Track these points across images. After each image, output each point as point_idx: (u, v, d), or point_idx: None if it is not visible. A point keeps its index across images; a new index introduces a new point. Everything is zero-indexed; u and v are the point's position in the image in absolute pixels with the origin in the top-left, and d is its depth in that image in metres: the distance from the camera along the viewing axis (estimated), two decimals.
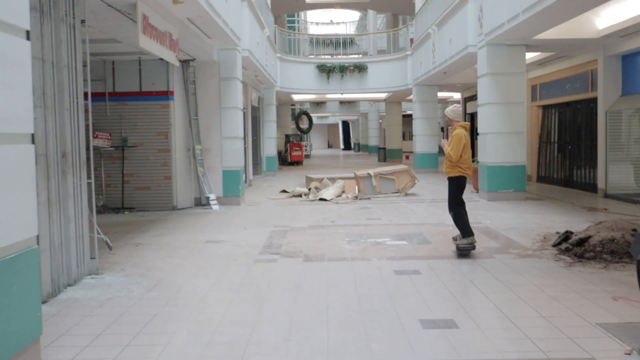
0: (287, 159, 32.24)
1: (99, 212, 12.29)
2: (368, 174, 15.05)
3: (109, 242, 7.74)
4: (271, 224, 10.51)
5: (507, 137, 13.39)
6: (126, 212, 12.47)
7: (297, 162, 32.19)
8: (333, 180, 15.86)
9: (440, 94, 28.76)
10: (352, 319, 4.96)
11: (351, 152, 55.62)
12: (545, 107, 17.84)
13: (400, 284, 6.15)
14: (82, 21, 6.74)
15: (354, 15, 47.96)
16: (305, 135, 42.78)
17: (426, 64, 20.52)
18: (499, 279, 6.21)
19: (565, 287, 5.83)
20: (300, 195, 15.21)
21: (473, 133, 27.14)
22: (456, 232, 7.94)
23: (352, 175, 15.81)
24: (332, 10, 46.46)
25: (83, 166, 6.62)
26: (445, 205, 11.24)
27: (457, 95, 31.01)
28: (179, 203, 13.10)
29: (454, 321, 4.82)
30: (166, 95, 12.96)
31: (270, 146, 23.77)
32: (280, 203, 14.01)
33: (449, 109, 7.95)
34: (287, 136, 33.10)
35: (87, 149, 7.02)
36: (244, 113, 18.18)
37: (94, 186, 7.00)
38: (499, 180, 13.42)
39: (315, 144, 74.08)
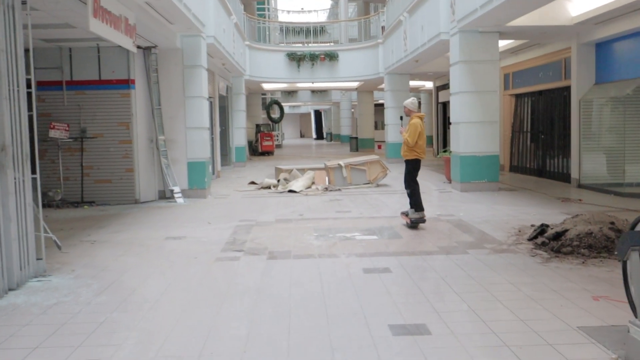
0: (258, 149, 31.71)
1: (57, 206, 11.76)
2: (339, 164, 14.66)
3: (57, 241, 7.23)
4: (237, 218, 10.07)
5: (480, 126, 13.09)
6: (85, 207, 11.91)
7: (268, 152, 31.68)
8: (303, 171, 15.44)
9: (412, 83, 28.44)
10: (317, 325, 4.57)
11: (323, 142, 55.18)
12: (518, 96, 17.62)
13: (370, 283, 5.77)
14: (23, 2, 6.20)
15: (326, 3, 47.48)
16: (276, 125, 42.28)
17: (398, 52, 20.16)
18: (473, 277, 5.87)
19: (542, 286, 5.51)
20: (269, 187, 14.77)
21: (445, 122, 26.98)
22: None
23: (323, 166, 15.41)
24: None
25: (26, 160, 6.10)
26: None
27: (429, 84, 30.76)
28: (142, 196, 12.57)
29: (425, 326, 4.45)
30: (127, 83, 12.38)
31: (240, 136, 23.24)
32: (248, 195, 13.56)
33: (408, 101, 9.27)
34: (257, 126, 32.56)
35: (33, 141, 6.50)
36: (211, 102, 17.66)
37: (39, 181, 6.47)
38: (471, 170, 13.14)
39: (288, 134, 73.41)
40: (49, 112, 12.28)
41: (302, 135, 75.97)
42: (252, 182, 15.95)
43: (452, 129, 13.79)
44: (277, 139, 41.73)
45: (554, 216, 9.41)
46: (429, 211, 10.35)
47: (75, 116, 12.30)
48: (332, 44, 33.85)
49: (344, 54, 26.15)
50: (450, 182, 14.42)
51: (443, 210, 10.57)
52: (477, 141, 13.09)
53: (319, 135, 66.00)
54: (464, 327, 4.46)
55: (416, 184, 9.02)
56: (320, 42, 32.89)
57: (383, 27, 24.34)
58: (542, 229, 7.69)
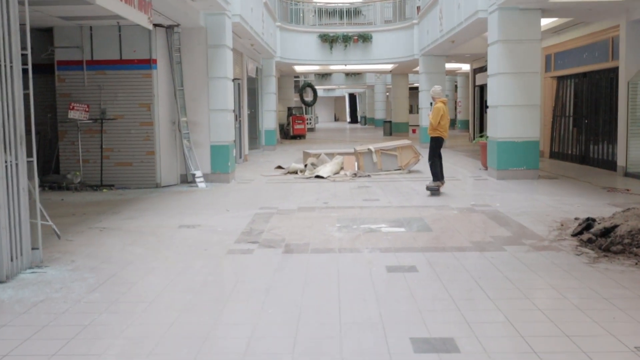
0: (290, 133, 31.16)
1: (75, 189, 11.39)
2: (368, 149, 14.00)
3: (56, 230, 6.76)
4: (257, 205, 9.52)
5: (519, 110, 12.28)
6: (104, 190, 11.51)
7: (300, 136, 31.10)
8: (332, 155, 14.82)
9: (448, 66, 27.47)
10: (327, 337, 3.97)
11: (357, 126, 54.37)
12: (560, 79, 16.65)
13: (393, 285, 5.15)
14: None
15: None
16: (309, 108, 41.68)
17: (433, 32, 19.29)
18: (511, 280, 5.19)
19: (591, 292, 4.81)
20: (295, 172, 14.21)
21: (482, 106, 26.01)
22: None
23: (352, 150, 14.75)
24: None
25: (21, 142, 5.61)
26: (451, 184, 10.20)
27: (465, 67, 29.71)
28: (163, 180, 12.13)
29: (453, 341, 3.82)
30: (149, 63, 11.90)
31: (270, 119, 22.68)
32: (273, 180, 13.01)
33: (432, 90, 11.09)
34: (289, 109, 31.98)
35: (29, 121, 6.02)
36: (239, 84, 17.13)
37: (36, 165, 5.98)
38: (509, 157, 12.35)
39: (322, 117, 72.75)
40: (69, 93, 11.89)
41: (336, 119, 75.20)
42: (279, 167, 15.40)
43: (490, 113, 13.00)
44: (310, 123, 41.12)
45: (600, 208, 8.64)
46: (462, 200, 9.68)
47: (96, 97, 11.87)
48: (365, 25, 32.98)
49: (377, 35, 25.33)
50: (486, 169, 13.65)
51: (478, 199, 9.85)
52: (516, 126, 12.29)
53: (353, 119, 65.21)
54: (499, 344, 3.81)
55: (438, 157, 10.77)
56: (354, 24, 32.03)
57: (418, 8, 23.43)
58: (589, 224, 6.95)
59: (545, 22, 14.43)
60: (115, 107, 11.90)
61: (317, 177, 13.30)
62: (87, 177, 11.89)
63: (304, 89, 38.97)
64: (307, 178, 13.33)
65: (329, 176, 13.23)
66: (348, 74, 46.96)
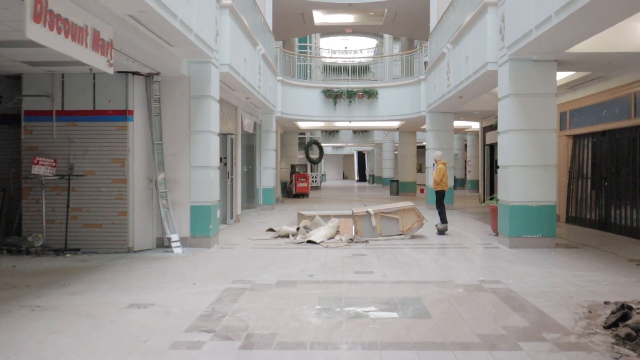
0: (292, 191, 30.01)
1: (36, 253, 10.18)
2: (367, 212, 12.73)
3: None
4: (232, 278, 8.22)
5: (533, 171, 11.06)
6: (68, 255, 10.26)
7: (303, 195, 29.93)
8: (328, 218, 13.57)
9: (457, 124, 26.50)
10: None
11: (366, 184, 53.22)
12: (576, 137, 15.46)
13: None
14: None
15: (370, 43, 46.16)
16: (315, 166, 40.68)
17: (440, 87, 18.29)
18: None
19: None
20: (287, 236, 12.94)
21: (492, 166, 24.81)
22: None
23: (350, 212, 13.49)
24: (348, 38, 44.82)
25: None
26: (457, 252, 8.92)
27: (475, 125, 28.70)
28: (136, 244, 10.89)
29: None
30: (124, 115, 10.85)
31: (268, 177, 21.53)
32: (261, 245, 11.74)
33: (435, 154, 14.52)
34: (292, 166, 30.92)
35: None
36: (232, 139, 16.07)
37: None
38: (523, 223, 11.06)
39: (330, 175, 71.93)
40: (36, 145, 10.83)
41: (344, 177, 74.27)
42: (271, 229, 14.15)
43: (500, 174, 11.78)
44: (315, 181, 40.03)
45: (632, 288, 7.29)
46: (469, 274, 8.37)
47: (65, 150, 10.79)
48: (371, 80, 32.24)
49: (383, 91, 24.42)
50: (497, 235, 12.34)
51: (487, 273, 8.51)
52: (530, 188, 11.05)
53: (362, 177, 64.20)
54: None
55: (443, 206, 13.88)
56: (361, 79, 31.33)
57: (426, 63, 22.57)
58: (624, 313, 5.62)
59: (560, 76, 13.38)
60: (86, 162, 10.79)
61: (309, 242, 12.03)
62: (52, 239, 10.67)
63: (309, 146, 38.09)
64: (299, 243, 12.06)
65: (322, 241, 11.95)
66: (356, 132, 46.21)
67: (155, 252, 10.81)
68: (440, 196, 13.92)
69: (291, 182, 30.40)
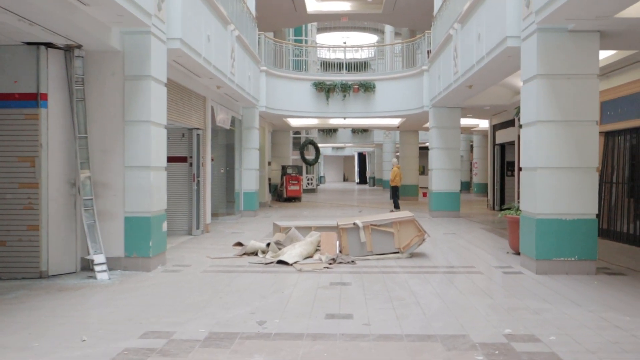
0: (283, 194, 27.47)
1: None
2: (354, 224, 10.18)
3: None
4: (144, 327, 5.66)
5: (569, 174, 8.51)
6: None
7: (294, 198, 27.39)
8: (308, 229, 11.03)
9: (463, 122, 23.88)
10: None
11: (366, 187, 50.59)
12: (609, 134, 12.85)
13: None
14: None
15: (371, 38, 43.62)
16: (311, 168, 38.12)
17: (446, 76, 15.72)
18: None
19: None
20: (255, 253, 10.40)
21: (503, 169, 22.23)
22: None
23: (335, 224, 10.93)
24: (348, 35, 42.28)
25: None
26: (468, 280, 6.17)
27: (483, 123, 26.12)
28: (52, 267, 8.36)
29: None
30: (35, 99, 8.32)
31: (250, 179, 18.96)
32: (217, 268, 9.19)
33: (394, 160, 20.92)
34: (283, 168, 28.36)
35: None
36: (198, 135, 13.53)
37: None
38: (554, 241, 8.50)
39: (330, 177, 69.41)
40: None
41: (345, 179, 71.71)
42: (239, 244, 11.62)
43: (524, 178, 9.21)
44: (311, 183, 37.47)
45: None
46: (488, 323, 5.77)
47: None
48: (368, 72, 29.65)
49: (381, 84, 21.82)
50: (517, 254, 9.81)
51: (515, 321, 5.93)
52: (564, 197, 8.49)
53: (362, 180, 61.60)
54: None
55: (398, 197, 21.08)
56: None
57: (429, 52, 19.98)
58: None
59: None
60: None
61: (280, 262, 9.49)
62: None
63: (305, 147, 35.54)
64: (267, 264, 9.50)
65: (295, 262, 9.39)
66: (355, 131, 43.65)
67: (75, 277, 8.27)
68: (395, 190, 21.24)
69: (282, 184, 27.87)
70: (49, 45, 8.30)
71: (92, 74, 8.79)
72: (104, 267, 8.29)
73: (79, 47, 8.49)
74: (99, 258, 8.32)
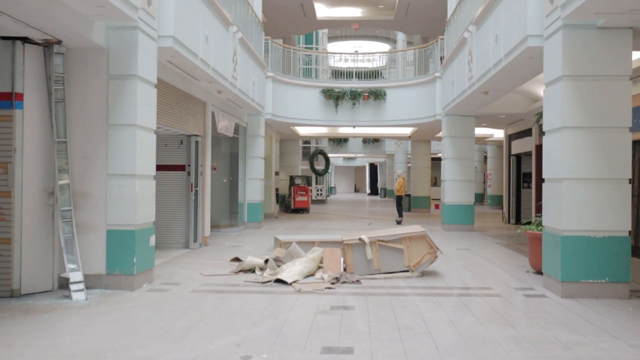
0: (291, 206, 26.65)
1: None
2: (360, 239, 9.33)
3: None
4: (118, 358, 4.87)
5: (598, 186, 7.63)
6: None
7: (302, 210, 26.56)
8: (311, 244, 10.18)
9: (478, 131, 23.00)
10: None
11: (377, 198, 49.66)
12: (637, 144, 11.95)
13: None
14: None
15: (383, 47, 42.87)
16: (321, 178, 37.30)
17: (460, 82, 14.88)
18: None
19: None
20: (252, 270, 9.58)
21: (519, 180, 21.33)
22: None
23: (340, 239, 10.08)
24: (360, 45, 41.59)
25: None
26: (485, 303, 5.21)
27: (498, 133, 25.24)
28: (25, 285, 7.59)
29: None
30: (9, 100, 7.58)
31: (255, 190, 18.17)
32: (209, 287, 8.37)
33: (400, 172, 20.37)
34: (291, 178, 27.54)
35: None
36: (197, 142, 12.76)
37: None
38: (582, 261, 7.61)
39: (342, 188, 68.62)
40: None
41: (356, 190, 70.84)
42: (236, 259, 10.81)
43: (547, 190, 8.32)
44: (320, 194, 36.64)
45: None
46: (510, 356, 4.86)
47: None
48: (378, 80, 28.82)
49: (392, 91, 21.00)
50: (538, 274, 8.92)
51: (542, 358, 5.05)
52: (595, 212, 7.61)
53: (373, 191, 60.65)
54: None
55: (402, 207, 20.69)
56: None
57: (442, 58, 19.16)
58: None
59: None
60: None
61: (278, 281, 8.65)
62: None
63: (315, 157, 34.74)
64: (264, 283, 8.67)
65: (295, 281, 8.55)
66: (365, 141, 42.83)
67: (49, 297, 7.49)
68: (399, 200, 20.69)
69: (290, 195, 27.05)
70: (25, 40, 7.56)
71: (73, 72, 8.04)
72: (81, 285, 7.49)
73: (59, 42, 7.74)
74: (75, 276, 7.51)
